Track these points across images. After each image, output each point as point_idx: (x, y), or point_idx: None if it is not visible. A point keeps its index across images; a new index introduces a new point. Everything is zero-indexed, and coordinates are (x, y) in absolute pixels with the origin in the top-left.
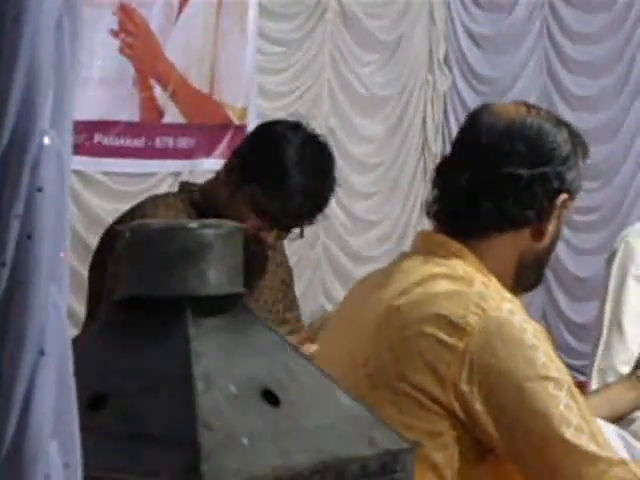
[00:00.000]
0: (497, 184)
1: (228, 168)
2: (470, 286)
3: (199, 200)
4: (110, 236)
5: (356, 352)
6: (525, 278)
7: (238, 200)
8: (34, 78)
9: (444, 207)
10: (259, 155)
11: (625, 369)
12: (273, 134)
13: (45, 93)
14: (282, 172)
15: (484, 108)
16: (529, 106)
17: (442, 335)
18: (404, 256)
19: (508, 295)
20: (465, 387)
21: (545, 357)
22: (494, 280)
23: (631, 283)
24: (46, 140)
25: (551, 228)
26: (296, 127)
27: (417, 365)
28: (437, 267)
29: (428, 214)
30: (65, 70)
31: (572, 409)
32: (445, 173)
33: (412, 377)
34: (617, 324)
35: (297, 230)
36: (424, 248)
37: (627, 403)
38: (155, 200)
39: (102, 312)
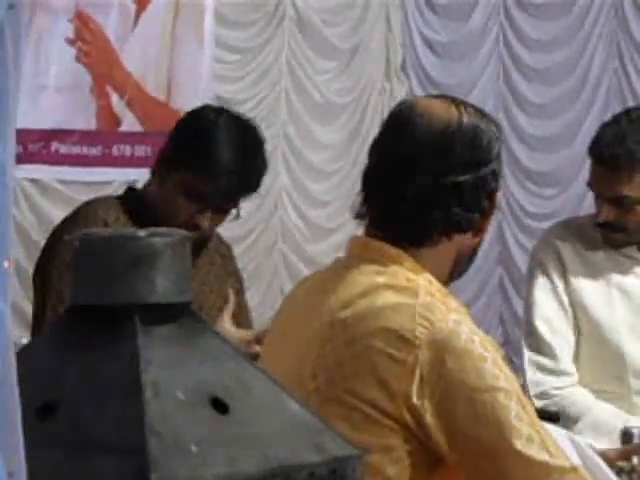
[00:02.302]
0: (442, 193)
1: (157, 161)
2: (415, 297)
3: (134, 205)
4: (54, 241)
5: (302, 366)
6: (459, 271)
7: (169, 188)
8: None
9: (385, 216)
10: (185, 140)
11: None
12: (198, 118)
13: None
14: (209, 150)
15: (411, 109)
16: (453, 101)
17: (391, 349)
18: (340, 263)
19: (453, 303)
20: (416, 401)
21: (494, 367)
22: (436, 284)
23: (538, 285)
24: None
25: (489, 223)
26: (220, 110)
27: (367, 381)
28: (379, 276)
29: (357, 217)
30: (8, 80)
31: (522, 419)
32: (382, 182)
33: (363, 393)
34: (533, 331)
35: (234, 213)
36: (361, 255)
37: None
38: (96, 202)
39: (51, 321)
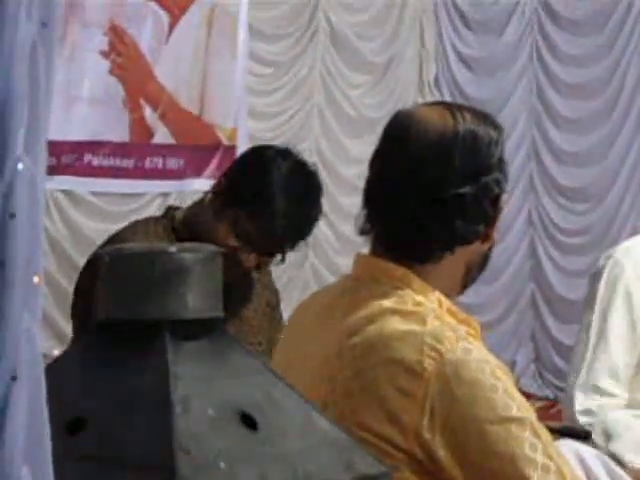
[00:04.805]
0: (443, 207)
1: (215, 190)
2: (423, 324)
3: (179, 225)
4: (92, 263)
5: (312, 397)
6: (472, 278)
7: (221, 222)
8: (8, 105)
9: (387, 233)
10: (246, 178)
11: (606, 385)
12: (262, 159)
13: (19, 120)
14: (267, 196)
15: (407, 120)
16: (450, 108)
17: (400, 382)
18: (346, 284)
19: (463, 329)
20: (427, 435)
21: (506, 396)
22: (446, 303)
23: (618, 301)
24: (20, 166)
25: (496, 227)
26: (285, 153)
27: (377, 414)
28: (386, 300)
29: (361, 234)
30: (39, 97)
31: (537, 448)
32: (382, 198)
33: (373, 426)
34: (604, 340)
35: (279, 256)
36: (367, 276)
37: None
38: (135, 227)
39: (82, 335)
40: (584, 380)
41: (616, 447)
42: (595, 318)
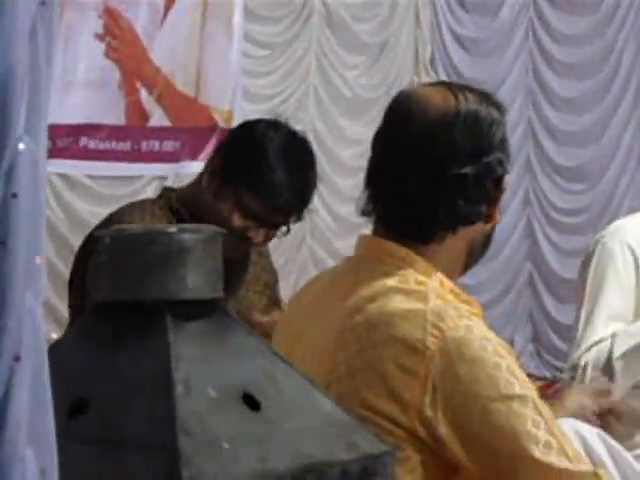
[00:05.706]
0: (445, 188)
1: (211, 170)
2: (425, 303)
3: (178, 205)
4: (89, 244)
5: (315, 377)
6: (474, 259)
7: (222, 201)
8: (8, 86)
9: (390, 214)
10: (242, 155)
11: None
12: (254, 134)
13: (19, 100)
14: (266, 170)
15: (408, 101)
16: (451, 88)
17: (402, 360)
18: (349, 264)
19: (465, 308)
20: (429, 412)
21: (508, 374)
22: (447, 284)
23: (609, 284)
24: (21, 146)
25: (498, 208)
26: (276, 125)
27: (379, 392)
28: (389, 279)
29: (363, 215)
30: (40, 77)
31: (539, 425)
32: (384, 178)
33: (375, 404)
34: (591, 325)
35: (284, 228)
36: (369, 255)
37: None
38: (132, 207)
39: (82, 317)
40: (572, 360)
41: (618, 364)
42: (585, 307)
